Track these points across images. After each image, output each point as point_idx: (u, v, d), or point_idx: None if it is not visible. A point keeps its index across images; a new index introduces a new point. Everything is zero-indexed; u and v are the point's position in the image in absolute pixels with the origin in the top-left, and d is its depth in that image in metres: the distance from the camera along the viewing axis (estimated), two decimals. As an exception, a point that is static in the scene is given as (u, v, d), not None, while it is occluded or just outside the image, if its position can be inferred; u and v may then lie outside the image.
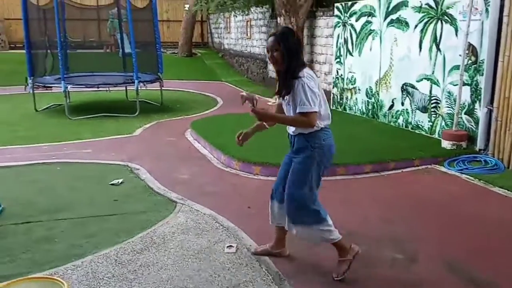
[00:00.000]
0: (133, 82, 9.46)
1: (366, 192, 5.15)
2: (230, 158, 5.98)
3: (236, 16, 15.89)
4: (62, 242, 3.86)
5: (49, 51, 10.52)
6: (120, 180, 5.41)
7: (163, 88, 10.54)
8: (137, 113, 9.36)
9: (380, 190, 5.24)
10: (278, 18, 10.89)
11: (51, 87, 9.90)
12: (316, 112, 2.94)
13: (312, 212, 3.20)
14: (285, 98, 3.10)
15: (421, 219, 4.42)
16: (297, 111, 2.97)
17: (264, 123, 3.29)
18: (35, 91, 9.71)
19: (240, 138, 3.40)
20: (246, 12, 13.49)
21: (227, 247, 3.70)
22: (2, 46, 19.37)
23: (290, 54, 3.01)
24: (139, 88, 9.49)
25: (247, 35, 16.02)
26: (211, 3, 13.10)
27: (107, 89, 10.18)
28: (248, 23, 15.71)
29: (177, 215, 4.40)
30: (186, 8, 19.00)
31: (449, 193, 5.11)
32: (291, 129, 3.23)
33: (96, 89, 9.99)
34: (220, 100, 11.46)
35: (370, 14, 8.45)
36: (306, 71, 3.03)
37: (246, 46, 16.26)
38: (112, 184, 5.31)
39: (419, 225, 4.26)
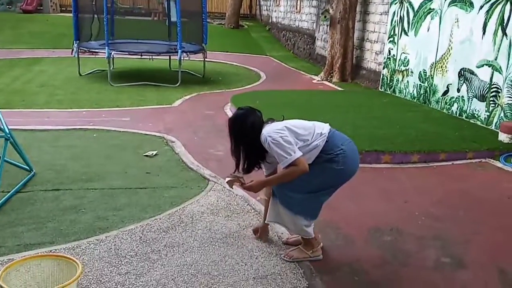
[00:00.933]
0: (177, 52, 9.28)
1: (412, 184, 4.77)
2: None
3: (287, -11, 15.36)
4: (89, 213, 3.75)
5: (96, 16, 10.47)
6: (155, 152, 5.28)
7: (206, 59, 10.31)
8: (178, 84, 9.20)
9: (427, 183, 4.84)
10: (330, -8, 10.37)
11: (96, 52, 9.85)
12: (298, 157, 2.85)
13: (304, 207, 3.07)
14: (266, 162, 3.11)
15: (472, 218, 4.02)
16: (282, 167, 2.94)
17: (265, 197, 3.29)
18: (80, 56, 9.72)
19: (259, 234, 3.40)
20: (297, -15, 12.94)
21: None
22: (53, 9, 19.65)
23: (240, 139, 3.07)
24: (182, 58, 9.31)
25: (296, 8, 15.48)
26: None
27: (150, 57, 10.05)
28: (299, -4, 15.14)
29: (208, 193, 4.21)
30: (236, -22, 18.55)
31: (504, 192, 4.66)
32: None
33: (140, 57, 9.88)
34: (263, 75, 11.13)
35: (430, -9, 7.84)
36: (264, 131, 2.93)
37: (295, 20, 15.75)
38: (146, 156, 5.18)
39: (470, 226, 3.88)
